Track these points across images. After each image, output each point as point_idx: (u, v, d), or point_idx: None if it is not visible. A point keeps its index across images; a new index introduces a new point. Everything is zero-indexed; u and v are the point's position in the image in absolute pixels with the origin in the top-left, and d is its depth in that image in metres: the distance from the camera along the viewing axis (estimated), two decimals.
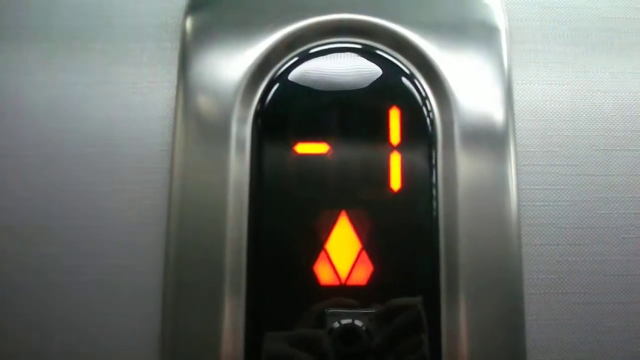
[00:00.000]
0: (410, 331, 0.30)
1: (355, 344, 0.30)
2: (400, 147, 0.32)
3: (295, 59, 0.33)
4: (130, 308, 0.32)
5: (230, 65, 0.32)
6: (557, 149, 0.33)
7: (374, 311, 0.30)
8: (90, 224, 0.32)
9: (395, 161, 0.31)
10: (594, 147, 0.33)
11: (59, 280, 0.32)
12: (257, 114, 0.32)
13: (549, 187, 0.33)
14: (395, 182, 0.31)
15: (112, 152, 0.33)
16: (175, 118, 0.32)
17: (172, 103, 0.33)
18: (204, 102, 0.32)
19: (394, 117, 0.32)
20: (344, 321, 0.30)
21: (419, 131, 0.32)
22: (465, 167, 0.31)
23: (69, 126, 0.33)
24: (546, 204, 0.32)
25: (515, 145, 0.32)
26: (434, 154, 0.32)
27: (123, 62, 0.34)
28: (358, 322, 0.30)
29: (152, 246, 0.32)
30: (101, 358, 0.31)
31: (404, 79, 0.33)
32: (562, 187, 0.33)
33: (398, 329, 0.30)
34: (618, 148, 0.33)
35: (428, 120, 0.32)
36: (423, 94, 0.32)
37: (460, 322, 0.30)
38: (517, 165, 0.32)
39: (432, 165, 0.31)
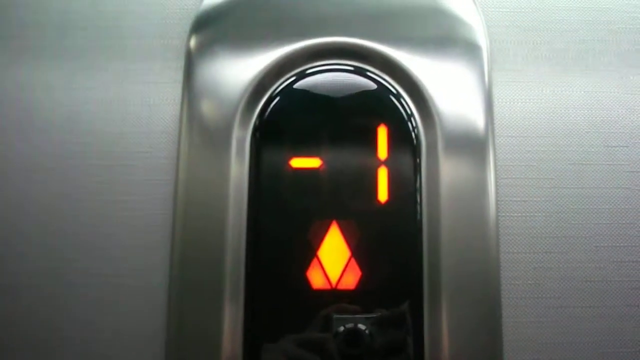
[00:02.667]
0: (396, 333, 0.33)
1: (358, 346, 0.32)
2: (387, 162, 0.34)
3: (292, 79, 0.35)
4: (138, 307, 0.34)
5: (231, 83, 0.35)
6: (534, 164, 0.35)
7: (375, 316, 0.33)
8: (102, 231, 0.35)
9: (382, 175, 0.34)
10: (569, 162, 0.36)
11: (73, 281, 0.35)
12: (256, 129, 0.35)
13: (526, 199, 0.35)
14: (382, 194, 0.34)
15: (123, 164, 0.36)
16: (179, 132, 0.35)
17: (177, 118, 0.36)
18: (206, 118, 0.35)
19: (382, 134, 0.34)
20: (347, 325, 0.32)
21: (404, 146, 0.34)
22: (447, 179, 0.34)
23: (83, 140, 0.36)
24: (523, 214, 0.35)
25: (494, 159, 0.34)
26: (418, 167, 0.34)
27: (133, 80, 0.37)
28: (361, 326, 0.32)
29: (159, 250, 0.34)
30: (110, 354, 0.34)
31: (391, 98, 0.35)
32: (539, 199, 0.35)
33: (385, 331, 0.33)
34: (591, 162, 0.36)
35: (413, 135, 0.34)
36: (408, 111, 0.35)
37: (442, 323, 0.32)
38: (496, 178, 0.34)
39: (416, 178, 0.34)
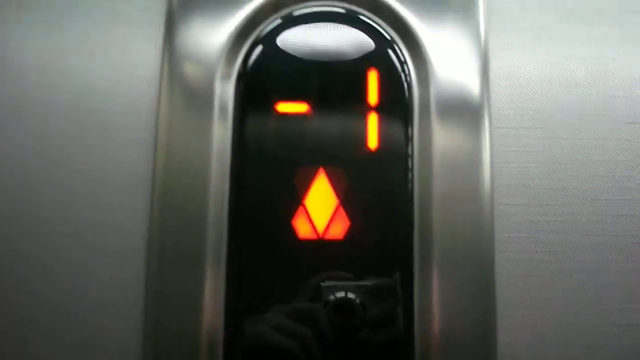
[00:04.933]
0: (384, 287, 0.31)
1: (351, 316, 0.31)
2: (377, 108, 0.33)
3: (279, 21, 0.34)
4: (116, 265, 0.33)
5: (215, 26, 0.33)
6: (531, 113, 0.34)
7: (368, 284, 0.31)
8: (78, 180, 0.33)
9: (372, 121, 0.32)
10: (566, 112, 0.34)
11: (42, 231, 0.33)
12: (240, 75, 0.33)
13: (522, 149, 0.34)
14: (372, 141, 0.32)
15: (101, 109, 0.34)
16: (160, 77, 0.33)
17: (159, 62, 0.34)
18: (188, 62, 0.33)
19: (372, 79, 0.33)
20: (338, 294, 0.31)
21: (396, 93, 0.33)
22: (440, 128, 0.32)
23: (60, 83, 0.34)
24: (519, 165, 0.33)
25: (489, 108, 0.33)
26: (410, 114, 0.33)
27: (113, 23, 0.35)
28: (351, 295, 0.31)
29: (140, 194, 0.33)
30: (85, 312, 0.32)
31: (383, 42, 0.33)
32: (535, 149, 0.34)
33: (377, 293, 0.31)
34: (590, 113, 0.34)
35: (405, 82, 0.33)
36: (401, 58, 0.33)
37: (433, 275, 0.31)
38: (490, 127, 0.33)
39: (408, 126, 0.32)
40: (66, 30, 0.35)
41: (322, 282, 0.31)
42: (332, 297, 0.31)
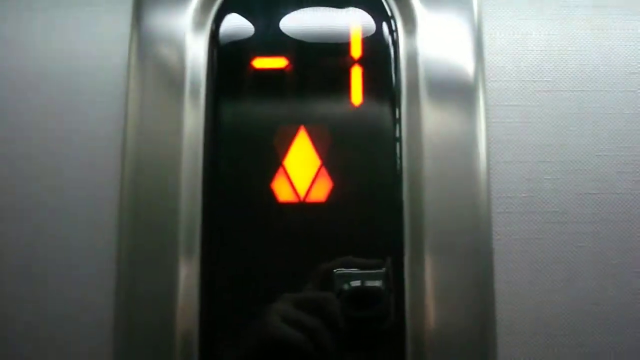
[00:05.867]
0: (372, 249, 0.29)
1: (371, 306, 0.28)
2: (361, 61, 0.30)
3: None
4: (85, 242, 0.30)
5: None
6: (527, 66, 0.32)
7: (382, 271, 0.29)
8: (44, 169, 0.31)
9: (356, 75, 0.30)
10: (566, 63, 0.32)
11: (8, 226, 0.31)
12: (213, 31, 0.31)
13: (519, 103, 0.31)
14: (356, 96, 0.30)
15: (71, 80, 0.32)
16: (130, 36, 0.31)
17: (129, 29, 0.32)
18: (159, 14, 0.31)
19: (356, 30, 0.31)
20: (353, 283, 0.28)
21: (381, 45, 0.31)
22: (428, 84, 0.30)
23: (29, 55, 0.32)
24: (515, 120, 0.31)
25: (482, 62, 0.31)
26: (397, 67, 0.30)
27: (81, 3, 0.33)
28: (371, 283, 0.28)
29: (111, 163, 0.31)
30: (55, 308, 0.30)
31: None
32: (533, 103, 0.31)
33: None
34: (591, 63, 0.32)
35: (391, 36, 0.31)
36: (388, 11, 0.31)
37: (425, 239, 0.29)
38: (484, 81, 0.31)
39: (394, 78, 0.30)
40: (33, 10, 0.33)
41: (334, 269, 0.29)
42: (346, 286, 0.28)
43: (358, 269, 0.29)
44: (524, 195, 0.31)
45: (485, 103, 0.30)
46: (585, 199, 0.31)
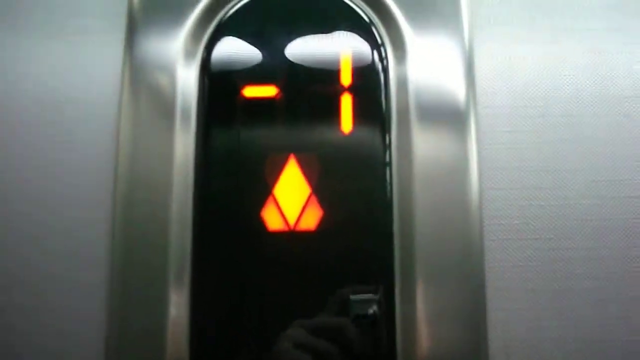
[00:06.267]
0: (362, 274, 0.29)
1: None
2: (351, 88, 0.30)
3: (244, 1, 0.32)
4: (78, 263, 0.31)
5: (178, 14, 0.31)
6: (520, 90, 0.31)
7: (374, 298, 0.29)
8: (38, 188, 0.31)
9: (346, 103, 0.30)
10: (559, 88, 0.31)
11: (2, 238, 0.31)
12: (204, 59, 0.31)
13: (512, 128, 0.31)
14: (346, 124, 0.30)
15: (63, 107, 0.32)
16: (123, 64, 0.31)
17: (121, 57, 0.32)
18: (151, 42, 0.31)
19: (346, 58, 0.31)
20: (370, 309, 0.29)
21: (372, 73, 0.31)
22: (419, 110, 0.30)
23: (21, 89, 0.33)
24: (508, 146, 0.31)
25: (474, 89, 0.30)
26: (387, 95, 0.30)
27: (74, 27, 0.33)
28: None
29: (103, 186, 0.31)
30: (46, 317, 0.30)
31: (358, 22, 0.31)
32: (525, 128, 0.31)
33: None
34: (585, 87, 0.31)
35: (381, 63, 0.31)
36: (378, 39, 0.31)
37: (416, 266, 0.29)
38: (475, 107, 0.30)
39: (383, 106, 0.30)
40: (27, 36, 0.33)
41: (350, 295, 0.29)
42: (362, 312, 0.28)
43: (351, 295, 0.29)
44: (516, 222, 0.30)
45: (477, 129, 0.30)
46: (578, 225, 0.30)
